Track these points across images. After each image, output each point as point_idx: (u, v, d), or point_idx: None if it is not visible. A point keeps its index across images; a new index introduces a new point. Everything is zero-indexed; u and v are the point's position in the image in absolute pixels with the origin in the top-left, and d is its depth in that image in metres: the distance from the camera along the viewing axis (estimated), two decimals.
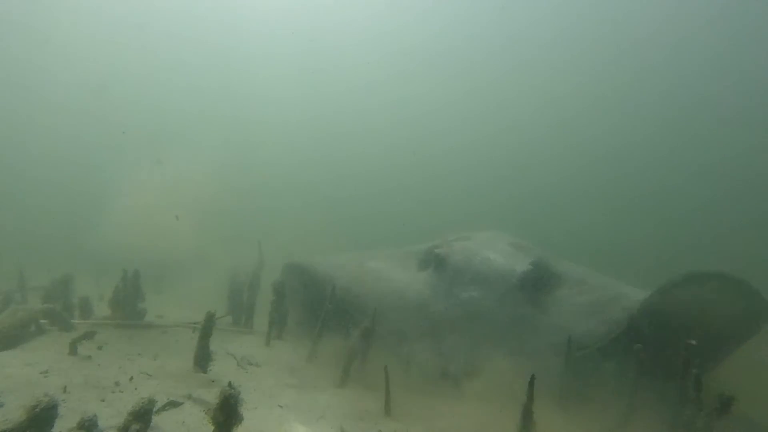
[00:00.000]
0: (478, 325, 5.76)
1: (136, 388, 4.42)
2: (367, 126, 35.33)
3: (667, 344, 4.79)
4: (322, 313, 6.19)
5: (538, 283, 6.33)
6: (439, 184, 28.80)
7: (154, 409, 3.52)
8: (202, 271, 12.05)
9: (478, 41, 34.85)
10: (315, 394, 4.99)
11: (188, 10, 34.75)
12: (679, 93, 30.10)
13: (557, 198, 26.30)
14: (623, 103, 31.88)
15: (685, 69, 29.82)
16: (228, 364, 5.57)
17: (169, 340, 6.45)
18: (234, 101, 35.05)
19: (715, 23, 26.94)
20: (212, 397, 3.34)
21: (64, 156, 26.07)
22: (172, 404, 4.13)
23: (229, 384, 3.06)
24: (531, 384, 3.92)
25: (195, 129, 32.51)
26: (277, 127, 34.28)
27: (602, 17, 30.18)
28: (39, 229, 15.82)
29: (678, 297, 4.95)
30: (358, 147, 33.42)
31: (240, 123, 33.99)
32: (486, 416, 4.74)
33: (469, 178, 29.87)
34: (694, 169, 27.02)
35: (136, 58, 33.55)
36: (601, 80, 32.13)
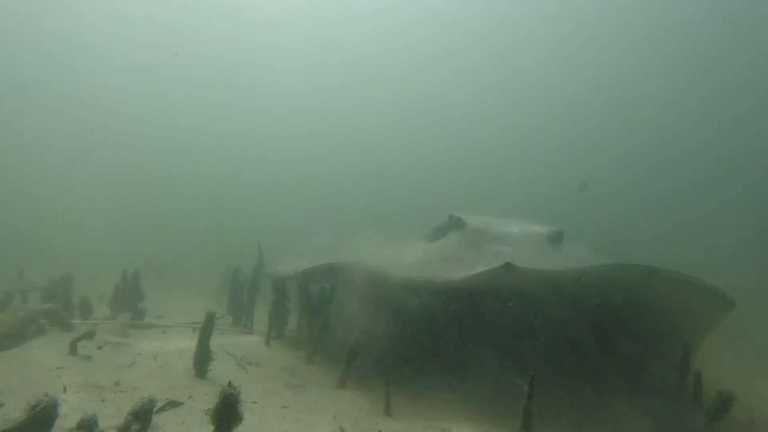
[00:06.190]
0: None
1: (136, 388, 4.42)
2: (370, 124, 35.25)
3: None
4: (321, 314, 6.19)
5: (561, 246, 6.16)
6: (443, 185, 28.54)
7: (154, 409, 3.52)
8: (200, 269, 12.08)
9: (487, 42, 34.73)
10: (315, 394, 4.99)
11: (190, 5, 34.70)
12: (690, 92, 29.83)
13: (567, 202, 26.00)
14: (632, 104, 31.62)
15: (695, 68, 29.53)
16: (228, 364, 5.57)
17: (168, 340, 6.45)
18: (234, 95, 35.04)
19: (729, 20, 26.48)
20: (212, 397, 3.34)
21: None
22: (172, 404, 4.13)
23: (229, 384, 3.05)
24: (531, 383, 3.89)
25: (195, 122, 32.59)
26: (277, 122, 34.14)
27: (611, 18, 29.99)
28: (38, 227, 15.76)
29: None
30: (363, 145, 33.29)
31: (240, 117, 34.02)
32: (487, 416, 4.73)
33: (476, 179, 29.70)
34: (711, 169, 26.69)
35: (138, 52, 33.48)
36: (611, 82, 31.90)
